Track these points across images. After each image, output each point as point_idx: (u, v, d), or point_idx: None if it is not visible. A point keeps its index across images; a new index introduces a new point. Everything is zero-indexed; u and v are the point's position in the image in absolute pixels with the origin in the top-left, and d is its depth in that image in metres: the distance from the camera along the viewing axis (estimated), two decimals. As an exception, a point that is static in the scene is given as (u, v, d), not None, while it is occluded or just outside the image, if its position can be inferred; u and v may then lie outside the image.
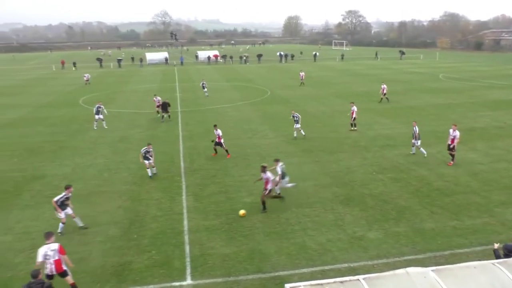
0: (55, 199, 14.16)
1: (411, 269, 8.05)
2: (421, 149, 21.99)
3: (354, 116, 27.96)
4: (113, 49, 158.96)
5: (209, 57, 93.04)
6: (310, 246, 13.24)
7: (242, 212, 15.36)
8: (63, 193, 14.33)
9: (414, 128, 21.96)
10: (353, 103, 28.96)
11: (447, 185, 17.94)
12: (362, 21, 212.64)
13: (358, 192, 17.49)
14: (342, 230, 14.25)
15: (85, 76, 56.77)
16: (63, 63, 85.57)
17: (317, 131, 27.90)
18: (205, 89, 44.12)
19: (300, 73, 52.20)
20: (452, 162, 20.60)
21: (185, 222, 14.99)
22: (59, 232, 14.14)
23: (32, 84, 58.21)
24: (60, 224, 14.31)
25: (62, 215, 14.24)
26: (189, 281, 11.59)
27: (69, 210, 14.48)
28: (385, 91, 38.64)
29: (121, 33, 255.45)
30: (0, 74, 74.87)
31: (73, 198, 17.15)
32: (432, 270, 8.03)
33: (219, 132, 22.33)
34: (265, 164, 15.93)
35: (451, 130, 20.69)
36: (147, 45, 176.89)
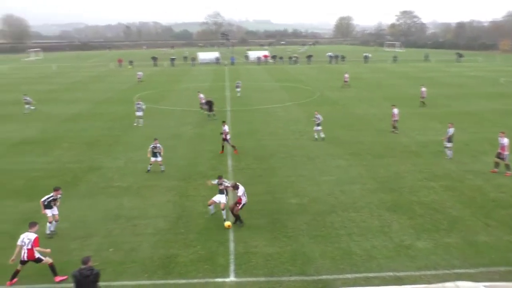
0: (43, 200, 14.18)
1: (462, 283, 7.77)
2: (447, 151, 21.76)
3: (395, 118, 27.54)
4: (166, 49, 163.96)
5: (259, 57, 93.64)
6: (355, 251, 13.03)
7: (227, 224, 14.57)
8: (51, 194, 14.33)
9: (449, 130, 21.53)
10: (394, 105, 28.44)
11: (504, 197, 16.98)
12: (417, 22, 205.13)
13: (407, 199, 16.97)
14: (389, 238, 13.89)
15: (138, 75, 59.06)
16: (120, 61, 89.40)
17: (366, 134, 27.35)
18: (238, 89, 44.43)
19: (345, 75, 51.41)
20: (509, 173, 19.47)
21: (231, 220, 15.21)
22: (48, 233, 14.05)
23: (92, 81, 61.35)
24: (48, 224, 14.12)
25: (47, 212, 14.15)
26: (232, 278, 11.77)
27: (55, 210, 14.31)
28: (424, 95, 37.24)
29: (175, 33, 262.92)
30: (65, 71, 79.46)
31: (125, 191, 18.09)
32: (485, 286, 7.68)
33: (226, 128, 23.38)
34: (236, 183, 15.17)
35: (499, 138, 19.61)
36: (199, 44, 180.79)
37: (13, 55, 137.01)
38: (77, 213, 15.99)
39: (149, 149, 20.42)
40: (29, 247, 11.46)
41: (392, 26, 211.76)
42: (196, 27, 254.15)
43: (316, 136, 26.00)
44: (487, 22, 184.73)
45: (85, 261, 9.41)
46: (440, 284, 7.82)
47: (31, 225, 11.80)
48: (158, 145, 20.44)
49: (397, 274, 11.85)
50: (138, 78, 58.17)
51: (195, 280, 11.65)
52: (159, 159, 20.40)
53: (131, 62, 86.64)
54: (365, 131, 28.25)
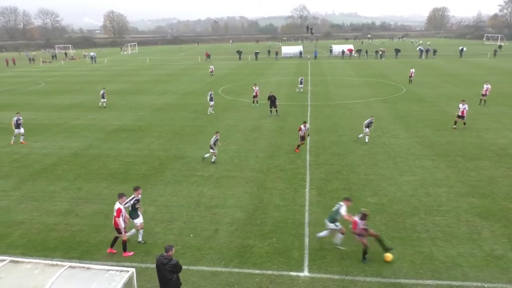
0: (125, 203, 12.81)
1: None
2: None
3: (463, 115, 26.73)
4: (251, 42, 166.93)
5: (343, 51, 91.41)
6: (438, 257, 12.28)
7: (388, 257, 12.28)
8: (133, 196, 13.11)
9: None
10: (464, 101, 27.28)
11: None
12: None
13: (501, 206, 15.54)
14: (477, 246, 12.87)
15: (210, 68, 61.24)
16: (207, 55, 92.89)
17: (456, 134, 25.49)
18: (301, 85, 43.00)
19: (411, 70, 48.34)
20: None
21: (306, 215, 15.19)
22: (140, 241, 13.45)
23: (181, 73, 64.62)
24: (137, 231, 13.41)
25: (136, 222, 13.26)
26: (306, 272, 11.76)
27: (140, 219, 13.39)
28: (487, 92, 33.82)
29: (260, 27, 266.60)
30: (157, 64, 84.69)
31: (207, 180, 18.86)
32: None
33: (304, 128, 22.65)
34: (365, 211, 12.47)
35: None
36: (283, 38, 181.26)
37: (113, 49, 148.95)
38: (162, 198, 17.03)
39: (211, 143, 20.97)
40: (114, 215, 12.54)
41: (494, 17, 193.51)
42: (281, 21, 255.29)
43: (361, 136, 24.66)
44: None
45: (166, 249, 9.82)
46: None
47: (119, 195, 12.73)
48: (218, 137, 21.20)
49: (485, 285, 10.99)
50: (211, 72, 60.28)
51: (270, 272, 11.83)
52: (215, 150, 21.06)
53: (209, 56, 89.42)
54: (455, 131, 26.32)
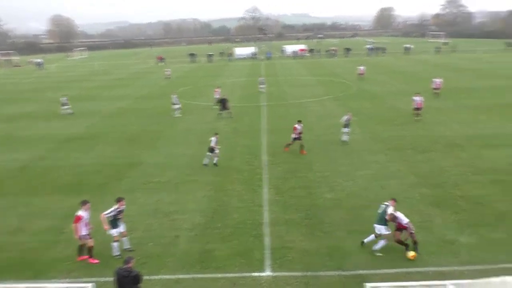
0: (105, 213, 12.54)
1: (509, 278, 7.36)
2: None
3: (420, 107, 28.36)
4: (204, 45, 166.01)
5: (296, 52, 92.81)
6: (394, 246, 12.66)
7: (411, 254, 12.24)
8: (116, 206, 12.75)
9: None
10: (418, 93, 29.03)
11: (558, 192, 15.97)
12: (464, 11, 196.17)
13: (450, 194, 16.34)
14: (430, 233, 13.45)
15: (167, 71, 60.74)
16: (159, 58, 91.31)
17: (406, 129, 26.54)
18: (262, 86, 43.47)
19: (360, 67, 50.24)
20: None
21: (266, 215, 15.24)
22: (117, 255, 12.70)
23: (134, 78, 63.09)
24: (113, 244, 12.77)
25: (113, 232, 12.70)
26: (268, 272, 11.79)
27: (122, 228, 12.95)
28: (439, 86, 36.35)
29: (213, 28, 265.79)
30: (108, 69, 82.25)
31: (164, 186, 18.50)
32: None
33: (299, 127, 22.35)
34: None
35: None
36: (236, 40, 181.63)
37: (61, 54, 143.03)
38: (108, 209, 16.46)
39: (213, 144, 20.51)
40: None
41: (437, 16, 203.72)
42: (234, 23, 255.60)
43: (344, 138, 23.66)
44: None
45: (126, 261, 9.56)
46: (485, 279, 7.45)
47: (82, 203, 12.66)
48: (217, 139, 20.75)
49: (440, 269, 11.49)
50: (168, 75, 59.78)
51: (232, 274, 11.76)
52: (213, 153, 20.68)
53: (162, 59, 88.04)
54: (405, 126, 27.41)
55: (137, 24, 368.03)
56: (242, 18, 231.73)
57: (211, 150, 20.48)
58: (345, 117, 23.37)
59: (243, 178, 19.00)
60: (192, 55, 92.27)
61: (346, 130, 23.35)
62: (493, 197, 15.89)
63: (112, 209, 12.68)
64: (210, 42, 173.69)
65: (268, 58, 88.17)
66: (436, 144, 23.01)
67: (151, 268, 12.18)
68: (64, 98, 36.27)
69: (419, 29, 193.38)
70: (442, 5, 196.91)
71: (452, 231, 13.52)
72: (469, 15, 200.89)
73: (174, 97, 33.62)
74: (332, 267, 11.86)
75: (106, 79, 63.59)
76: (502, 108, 31.38)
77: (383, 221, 12.33)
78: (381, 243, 12.42)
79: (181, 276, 11.81)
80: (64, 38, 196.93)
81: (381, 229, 12.34)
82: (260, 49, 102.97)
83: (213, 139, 20.53)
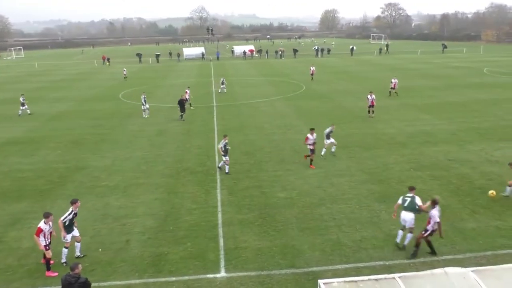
0: (62, 219, 12.12)
1: (450, 269, 7.84)
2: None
3: (373, 104, 29.86)
4: (151, 45, 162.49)
5: (244, 52, 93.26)
6: (345, 243, 13.10)
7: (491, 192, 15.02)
8: (70, 209, 12.34)
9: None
10: (371, 92, 30.52)
11: (490, 184, 17.20)
12: (402, 14, 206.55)
13: (395, 189, 17.09)
14: (378, 228, 14.00)
15: (124, 71, 58.86)
16: (104, 58, 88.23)
17: (353, 127, 27.48)
18: (223, 86, 43.54)
19: (311, 68, 51.86)
20: None
21: (219, 216, 15.19)
22: (64, 262, 12.25)
23: (77, 79, 60.48)
24: (64, 250, 12.33)
25: (68, 238, 12.21)
26: (223, 273, 11.75)
27: (76, 232, 12.57)
28: (395, 86, 38.33)
29: (159, 28, 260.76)
30: (48, 69, 78.17)
31: (113, 190, 17.89)
32: (472, 271, 7.78)
33: (312, 137, 19.93)
34: (436, 198, 12.29)
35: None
36: (184, 40, 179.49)
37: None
38: (64, 214, 15.72)
39: (220, 148, 19.32)
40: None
41: (378, 18, 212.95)
42: (181, 23, 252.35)
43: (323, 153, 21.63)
44: (471, 13, 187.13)
45: (72, 267, 9.17)
46: (429, 271, 7.89)
47: (45, 215, 11.85)
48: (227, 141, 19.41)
49: (387, 263, 11.97)
50: (124, 75, 57.94)
51: (186, 277, 11.59)
52: (227, 157, 19.36)
53: (108, 60, 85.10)
54: (352, 124, 28.38)
55: (78, 23, 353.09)
56: (189, 18, 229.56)
57: (223, 154, 19.24)
58: (328, 129, 21.74)
59: (196, 180, 18.81)
60: (139, 55, 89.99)
61: (327, 141, 21.51)
62: (433, 191, 16.75)
63: (68, 212, 12.25)
64: (157, 42, 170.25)
65: (217, 59, 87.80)
66: (381, 141, 24.02)
67: (100, 275, 11.74)
68: (22, 98, 34.71)
69: (361, 30, 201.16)
70: (382, 8, 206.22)
71: (398, 225, 14.07)
72: (407, 18, 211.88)
73: (142, 97, 32.30)
74: (286, 265, 12.03)
75: (47, 80, 60.50)
76: (440, 106, 33.34)
77: (414, 210, 12.40)
78: (410, 237, 12.59)
79: (132, 282, 11.47)
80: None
81: (411, 221, 12.43)
82: (208, 50, 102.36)
83: (222, 142, 19.30)
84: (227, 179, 18.75)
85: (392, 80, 38.82)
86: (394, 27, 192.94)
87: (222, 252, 12.77)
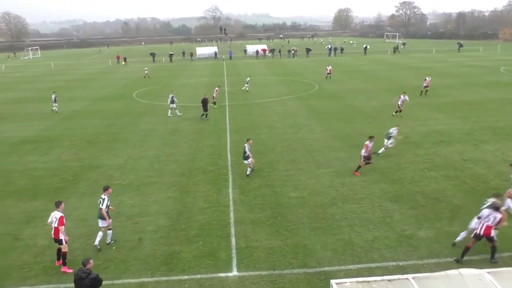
0: (104, 207, 12.81)
1: (465, 270, 7.72)
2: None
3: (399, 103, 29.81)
4: (165, 44, 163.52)
5: (257, 51, 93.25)
6: (357, 242, 13.02)
7: None
8: (104, 196, 12.99)
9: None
10: (405, 93, 30.40)
11: (506, 185, 16.84)
12: (417, 13, 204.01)
13: (408, 190, 16.93)
14: (391, 228, 13.88)
15: (146, 70, 60.12)
16: (118, 58, 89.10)
17: (366, 126, 27.24)
18: (247, 84, 44.23)
19: (327, 67, 51.44)
20: None
21: (231, 215, 15.22)
22: (111, 241, 13.37)
23: (90, 78, 61.19)
24: (109, 232, 13.28)
25: (109, 221, 13.11)
26: (235, 272, 11.77)
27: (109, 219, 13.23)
28: (428, 84, 37.76)
29: (173, 28, 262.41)
30: (64, 69, 79.24)
31: (126, 188, 18.07)
32: (488, 272, 7.64)
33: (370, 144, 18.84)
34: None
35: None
36: (198, 39, 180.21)
37: (8, 53, 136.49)
38: (78, 211, 15.97)
39: (247, 150, 18.75)
40: (56, 225, 11.82)
41: (392, 17, 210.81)
42: (194, 22, 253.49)
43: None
44: (488, 11, 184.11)
45: (84, 263, 9.30)
46: (443, 272, 7.77)
47: (57, 204, 12.20)
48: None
49: (400, 263, 11.86)
50: (146, 73, 59.10)
51: (198, 276, 11.65)
52: (250, 160, 18.95)
53: (125, 59, 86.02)
54: (365, 123, 28.16)
55: (93, 23, 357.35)
56: (203, 18, 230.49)
57: (247, 157, 18.83)
58: (393, 129, 21.43)
59: (209, 179, 18.87)
60: (152, 54, 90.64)
61: (387, 142, 21.20)
62: (447, 192, 16.61)
63: (105, 200, 12.89)
64: (171, 42, 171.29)
65: (230, 58, 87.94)
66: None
67: (113, 272, 11.88)
68: (54, 95, 35.96)
69: (375, 29, 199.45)
70: (396, 6, 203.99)
71: (411, 226, 14.02)
72: (422, 16, 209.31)
73: (170, 96, 32.61)
74: (298, 265, 12.00)
75: (62, 79, 61.34)
76: (454, 105, 32.88)
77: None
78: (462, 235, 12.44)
79: (145, 280, 11.57)
80: (14, 37, 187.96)
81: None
82: (221, 49, 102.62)
83: (246, 145, 18.82)
84: (239, 178, 18.78)
85: (427, 78, 38.28)
86: (409, 26, 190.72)
87: (234, 251, 12.80)
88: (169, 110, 32.49)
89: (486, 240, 11.58)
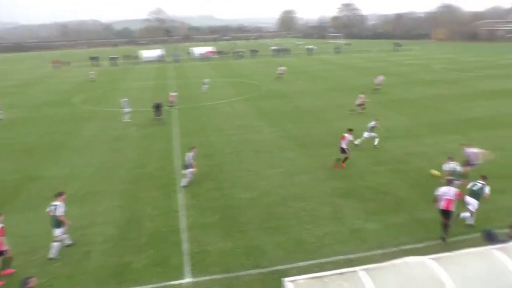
0: (61, 214, 12.68)
1: (410, 259, 8.04)
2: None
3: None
4: (108, 47, 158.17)
5: (203, 53, 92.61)
6: (308, 239, 13.26)
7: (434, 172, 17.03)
8: (58, 203, 12.88)
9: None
10: (363, 92, 32.21)
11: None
12: (358, 14, 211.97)
13: (356, 185, 17.49)
14: (341, 223, 14.27)
15: (91, 74, 58.38)
16: (56, 62, 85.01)
17: (311, 126, 27.87)
18: (205, 86, 44.56)
19: (280, 68, 52.45)
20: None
21: (182, 220, 14.97)
22: (54, 257, 12.79)
23: (30, 84, 57.82)
24: (55, 244, 12.85)
25: (59, 231, 12.80)
26: (188, 278, 11.58)
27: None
28: (381, 82, 39.68)
29: (116, 30, 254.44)
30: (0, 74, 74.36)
31: (70, 199, 17.21)
32: (431, 258, 8.01)
33: (349, 137, 19.70)
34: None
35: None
36: (142, 42, 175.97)
37: None
38: (19, 227, 14.96)
39: (190, 159, 18.03)
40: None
41: (334, 18, 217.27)
42: (138, 24, 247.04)
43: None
44: (423, 13, 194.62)
45: (25, 283, 8.86)
46: (390, 262, 8.05)
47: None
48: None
49: (349, 256, 12.22)
50: (92, 78, 57.30)
51: (150, 286, 11.35)
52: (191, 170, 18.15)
53: (67, 63, 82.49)
54: (312, 123, 28.78)
55: (28, 26, 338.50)
56: (147, 20, 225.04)
57: (187, 166, 18.04)
58: (372, 123, 22.70)
59: (158, 185, 18.45)
60: (95, 58, 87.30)
61: (371, 135, 22.52)
62: (393, 185, 17.35)
63: (60, 206, 12.80)
64: (115, 45, 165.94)
65: (177, 61, 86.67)
66: (339, 138, 24.41)
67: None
68: None
69: (319, 31, 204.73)
70: (338, 8, 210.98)
71: (360, 219, 14.49)
72: (362, 18, 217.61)
73: (123, 101, 31.59)
74: (251, 265, 12.02)
75: (-4, 86, 57.50)
76: (396, 102, 34.46)
77: (477, 196, 13.43)
78: (466, 215, 13.72)
79: (94, 294, 11.11)
80: None
81: (474, 203, 13.42)
82: (167, 52, 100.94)
83: (190, 154, 18.15)
84: (188, 182, 18.49)
85: (379, 77, 40.21)
86: (351, 27, 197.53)
87: (186, 257, 12.59)
88: (125, 115, 31.52)
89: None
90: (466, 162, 17.03)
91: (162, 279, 11.59)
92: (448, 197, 12.56)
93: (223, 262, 12.22)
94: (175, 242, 13.44)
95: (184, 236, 13.82)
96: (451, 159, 16.24)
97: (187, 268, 12.03)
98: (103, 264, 12.41)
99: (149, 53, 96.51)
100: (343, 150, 19.50)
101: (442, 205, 12.65)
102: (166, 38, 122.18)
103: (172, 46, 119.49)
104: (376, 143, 22.63)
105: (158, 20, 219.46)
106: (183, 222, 14.78)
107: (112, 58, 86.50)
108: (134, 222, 14.94)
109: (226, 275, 11.63)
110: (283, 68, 52.71)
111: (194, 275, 11.71)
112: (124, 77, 62.07)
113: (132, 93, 45.71)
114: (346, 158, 19.68)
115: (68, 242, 13.37)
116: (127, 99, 31.99)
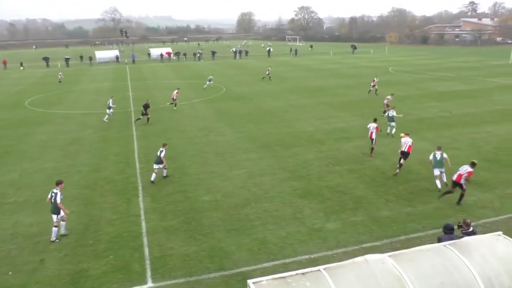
0: (60, 201, 13.45)
1: (369, 256, 8.26)
2: None
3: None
4: (60, 48, 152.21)
5: (162, 55, 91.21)
6: (271, 240, 13.33)
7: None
8: (56, 190, 13.61)
9: None
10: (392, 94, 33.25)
11: (400, 174, 18.62)
12: (314, 17, 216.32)
13: (316, 185, 17.79)
14: (301, 223, 14.45)
15: (60, 75, 56.29)
16: (5, 63, 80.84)
17: (273, 127, 28.12)
18: (210, 82, 45.79)
19: (269, 68, 53.53)
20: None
21: (143, 224, 14.64)
22: (57, 239, 13.62)
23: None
24: (54, 229, 13.61)
25: (67, 211, 13.97)
26: (150, 284, 11.32)
27: (62, 212, 13.76)
28: (375, 84, 40.11)
29: (67, 30, 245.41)
30: None
31: (22, 206, 16.47)
32: (389, 256, 8.28)
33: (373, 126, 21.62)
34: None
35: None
36: (97, 43, 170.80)
37: None
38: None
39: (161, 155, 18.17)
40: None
41: (292, 21, 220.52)
42: (92, 24, 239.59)
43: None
44: (376, 16, 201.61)
45: None
46: (350, 260, 8.24)
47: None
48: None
49: (311, 256, 12.39)
50: (60, 79, 55.32)
51: (109, 292, 11.00)
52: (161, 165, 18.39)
53: (21, 64, 78.73)
54: (272, 124, 29.03)
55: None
56: (101, 20, 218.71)
57: (159, 162, 18.19)
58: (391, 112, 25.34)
59: (116, 189, 17.93)
60: (46, 59, 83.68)
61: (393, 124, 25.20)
62: (351, 184, 17.79)
63: (59, 194, 13.50)
64: (67, 45, 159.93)
65: (133, 62, 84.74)
66: (300, 139, 24.85)
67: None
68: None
69: (277, 32, 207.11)
70: (295, 11, 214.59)
71: (320, 219, 14.74)
72: (319, 21, 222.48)
73: (110, 101, 31.32)
74: (214, 268, 11.93)
75: None
76: (352, 104, 35.41)
77: (441, 164, 16.61)
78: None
79: (50, 304, 10.63)
80: None
81: (442, 171, 16.76)
82: (123, 52, 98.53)
83: (162, 150, 18.22)
84: (149, 186, 18.13)
85: (375, 79, 40.56)
86: (308, 29, 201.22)
87: (147, 262, 12.31)
88: (106, 116, 31.09)
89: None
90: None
91: (123, 285, 11.27)
92: (461, 172, 14.93)
93: (186, 266, 12.05)
94: (136, 247, 13.11)
95: (146, 240, 13.52)
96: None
97: (148, 274, 11.76)
98: (59, 273, 11.89)
99: (104, 54, 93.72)
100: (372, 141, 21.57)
101: (455, 178, 15.10)
102: (122, 38, 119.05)
103: (129, 46, 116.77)
104: (393, 131, 25.07)
105: (113, 20, 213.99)
106: (144, 227, 14.45)
107: (66, 59, 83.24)
108: (92, 228, 14.44)
109: (189, 278, 11.48)
110: (269, 68, 53.27)
111: (155, 280, 11.47)
112: (78, 79, 59.90)
113: (88, 95, 44.32)
114: (372, 149, 21.72)
115: (63, 231, 13.82)
116: (113, 99, 32.15)
